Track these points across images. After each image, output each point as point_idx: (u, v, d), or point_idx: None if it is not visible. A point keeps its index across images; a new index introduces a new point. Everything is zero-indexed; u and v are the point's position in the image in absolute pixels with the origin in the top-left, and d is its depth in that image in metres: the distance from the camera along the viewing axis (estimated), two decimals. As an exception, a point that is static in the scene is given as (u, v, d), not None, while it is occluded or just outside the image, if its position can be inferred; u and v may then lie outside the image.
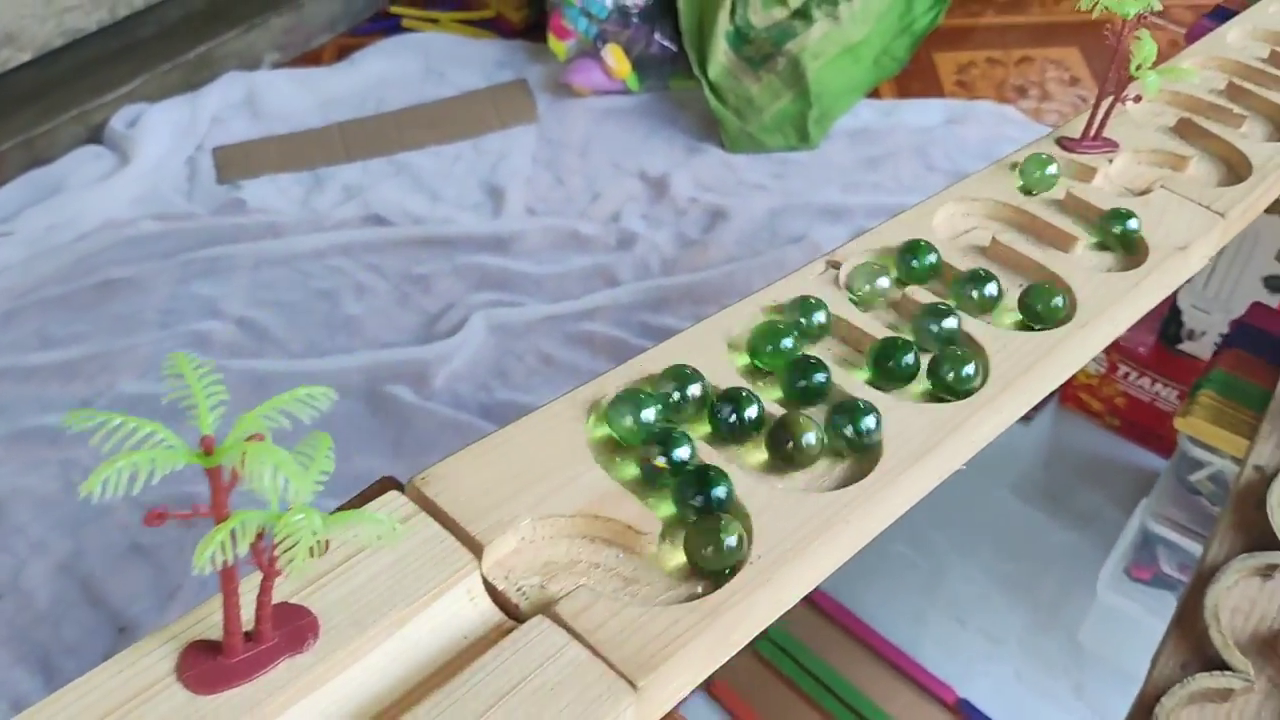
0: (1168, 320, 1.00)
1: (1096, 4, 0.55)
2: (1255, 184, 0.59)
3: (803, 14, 1.39)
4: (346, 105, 1.41)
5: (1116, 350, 1.01)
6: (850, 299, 0.47)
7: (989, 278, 0.48)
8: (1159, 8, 0.57)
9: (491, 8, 1.53)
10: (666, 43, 1.37)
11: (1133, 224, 0.53)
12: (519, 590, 0.34)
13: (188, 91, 1.39)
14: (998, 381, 0.44)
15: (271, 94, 1.40)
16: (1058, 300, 0.48)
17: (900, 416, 0.41)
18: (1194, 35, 0.80)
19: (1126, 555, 0.85)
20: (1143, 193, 0.57)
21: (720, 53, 1.36)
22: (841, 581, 0.96)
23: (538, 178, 1.32)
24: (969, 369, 0.43)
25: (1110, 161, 0.58)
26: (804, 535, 0.36)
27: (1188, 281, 0.97)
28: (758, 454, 0.40)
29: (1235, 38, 0.73)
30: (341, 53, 1.49)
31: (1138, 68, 0.57)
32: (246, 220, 1.26)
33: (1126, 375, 1.01)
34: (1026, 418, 1.07)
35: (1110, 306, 0.49)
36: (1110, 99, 0.58)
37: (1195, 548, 0.82)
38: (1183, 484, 0.81)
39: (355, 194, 1.29)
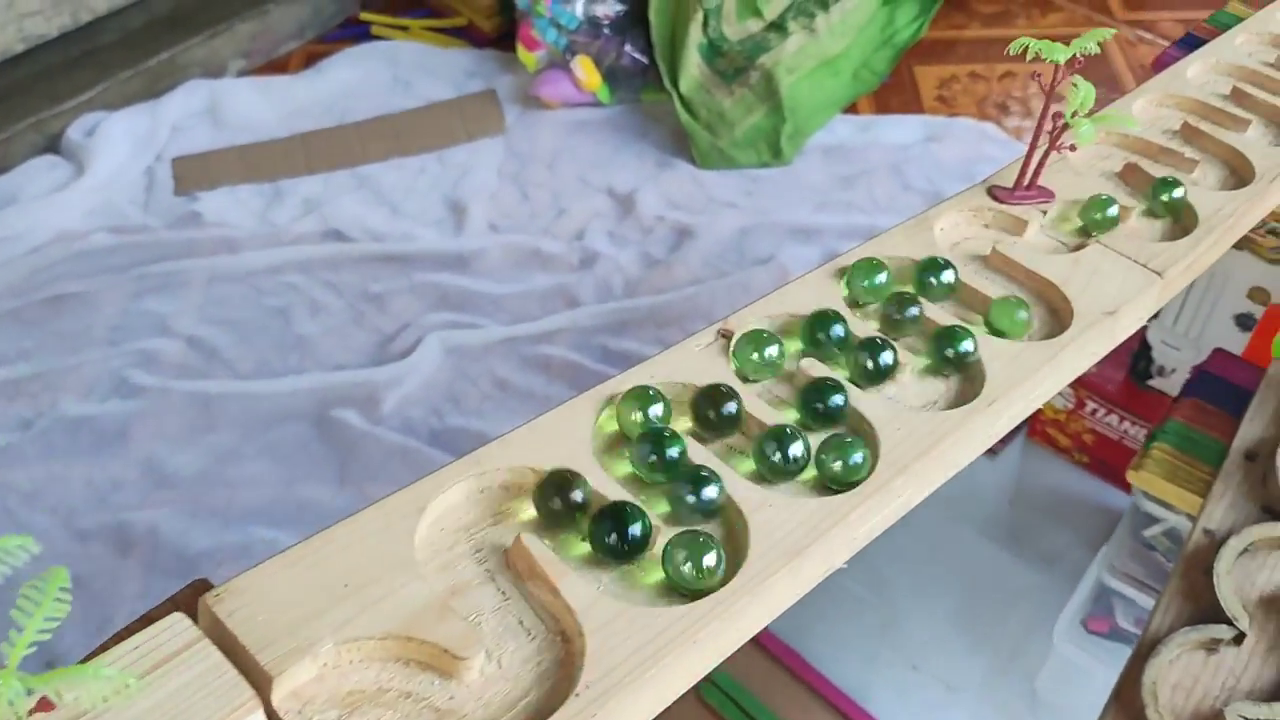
0: (1137, 356, 0.97)
1: (1026, 49, 0.52)
2: (1200, 239, 0.55)
3: (778, 26, 1.35)
4: (311, 115, 1.38)
5: (1084, 386, 0.97)
6: (735, 370, 0.43)
7: (885, 345, 0.44)
8: (1096, 51, 0.53)
9: (463, 16, 1.50)
10: (638, 55, 1.34)
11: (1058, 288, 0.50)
12: (311, 728, 0.30)
13: (149, 99, 1.37)
14: (889, 468, 0.41)
15: (234, 102, 1.37)
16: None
17: (775, 513, 0.38)
18: (1161, 64, 0.77)
19: (1083, 607, 0.82)
20: (1076, 248, 0.53)
21: (692, 65, 1.32)
22: (790, 622, 0.93)
23: (503, 193, 1.28)
24: (856, 457, 0.40)
25: (1044, 213, 0.55)
26: (643, 659, 0.33)
27: (1155, 317, 0.93)
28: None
29: (1196, 73, 0.69)
30: (309, 60, 1.46)
31: (1073, 114, 0.54)
32: (202, 234, 1.23)
33: (1094, 412, 0.97)
34: (992, 451, 1.04)
35: (1024, 381, 0.45)
36: (1044, 148, 0.55)
37: (1150, 603, 0.79)
38: (1138, 539, 0.78)
39: (314, 208, 1.26)
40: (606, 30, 1.34)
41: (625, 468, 0.39)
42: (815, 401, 0.42)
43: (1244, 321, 0.88)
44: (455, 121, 1.36)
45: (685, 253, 1.20)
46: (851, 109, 1.39)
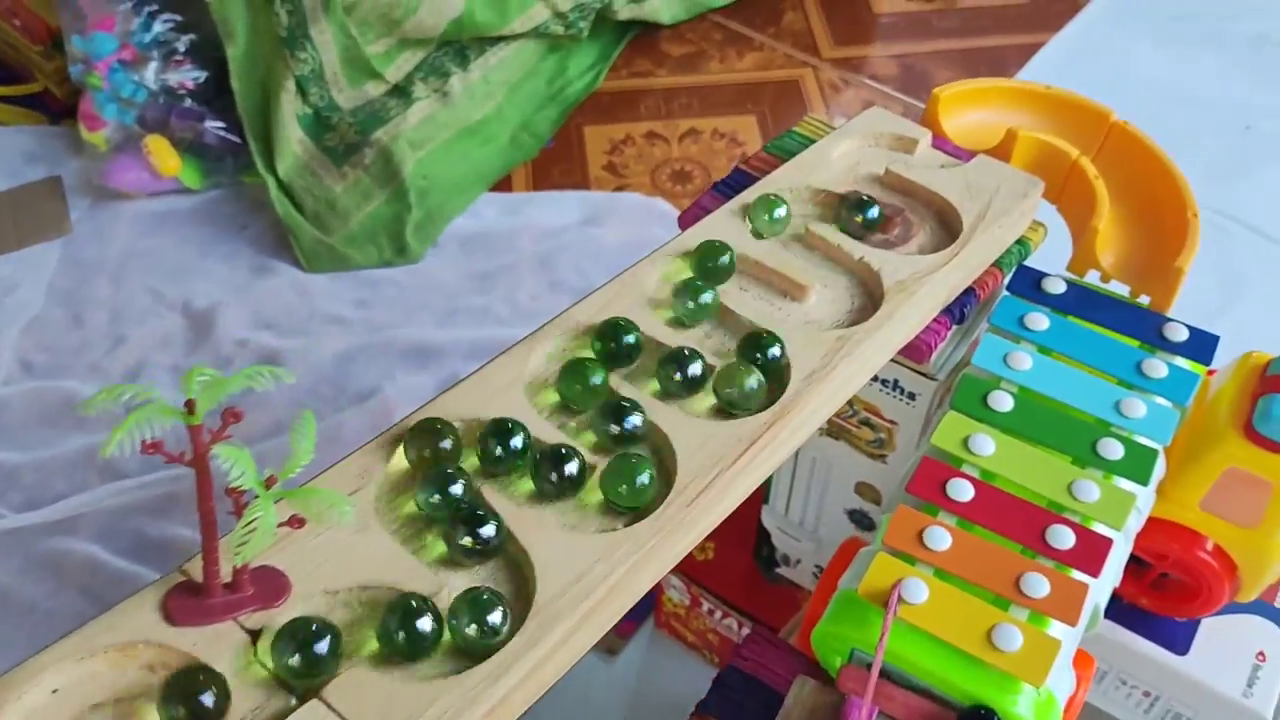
0: (759, 543, 0.77)
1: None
2: (520, 649, 0.34)
3: (402, 91, 1.12)
4: None
5: (699, 581, 0.77)
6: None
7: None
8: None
9: (39, 81, 1.22)
10: (224, 132, 1.09)
11: None
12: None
13: None
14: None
15: None
16: None
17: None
18: (687, 218, 0.55)
19: None
20: (311, 691, 0.32)
21: (293, 142, 1.08)
22: None
23: (48, 317, 1.03)
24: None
25: (256, 634, 0.33)
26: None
27: (765, 502, 0.74)
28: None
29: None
30: None
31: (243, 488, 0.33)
32: None
33: (711, 611, 0.78)
34: (611, 650, 0.83)
35: None
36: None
37: None
38: None
39: None
40: (188, 101, 1.09)
41: None
42: None
43: (858, 518, 0.69)
44: (5, 223, 1.09)
45: (267, 391, 0.96)
46: (505, 183, 1.17)
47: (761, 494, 0.74)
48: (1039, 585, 0.46)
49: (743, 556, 0.78)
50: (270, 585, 0.33)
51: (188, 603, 0.32)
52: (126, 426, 0.30)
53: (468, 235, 1.11)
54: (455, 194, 1.12)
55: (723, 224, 0.50)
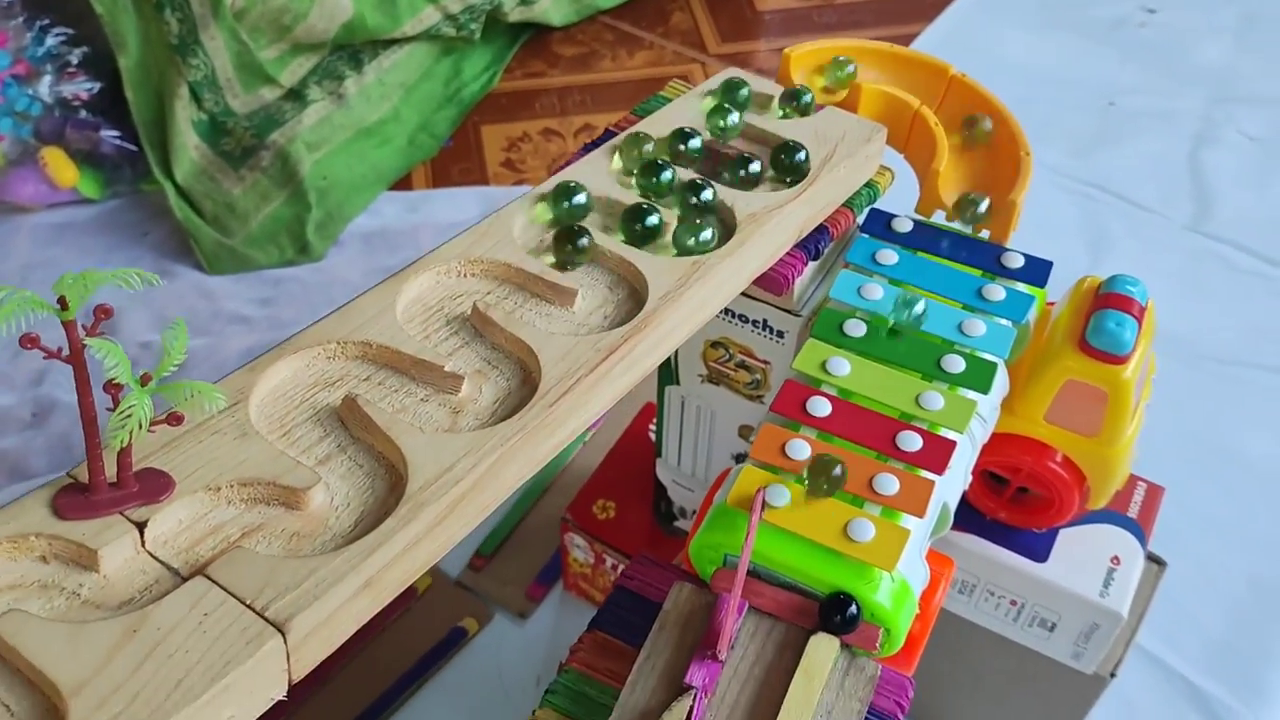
0: (657, 498, 0.81)
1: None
2: (393, 528, 0.37)
3: (297, 95, 1.14)
4: None
5: (602, 538, 0.80)
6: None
7: None
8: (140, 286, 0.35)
9: (-69, 98, 1.22)
10: (121, 141, 1.10)
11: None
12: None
13: None
14: None
15: None
16: None
17: None
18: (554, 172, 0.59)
19: None
20: (195, 569, 0.35)
21: (189, 149, 1.10)
22: None
23: (-53, 330, 1.02)
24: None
25: (143, 525, 0.36)
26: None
27: (659, 456, 0.77)
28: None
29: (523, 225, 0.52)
30: None
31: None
32: None
33: (615, 566, 0.81)
34: (522, 614, 0.86)
35: None
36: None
37: None
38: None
39: None
40: (83, 113, 1.10)
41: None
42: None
43: (742, 460, 0.72)
44: (-102, 239, 1.09)
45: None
46: (405, 182, 1.20)
47: (656, 451, 0.77)
48: (890, 484, 0.50)
49: (642, 513, 0.81)
50: (154, 483, 0.35)
51: (76, 499, 0.35)
52: (3, 315, 0.32)
53: (369, 233, 1.13)
54: (355, 193, 1.14)
55: (590, 166, 0.53)
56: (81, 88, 1.09)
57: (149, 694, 0.30)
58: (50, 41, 1.09)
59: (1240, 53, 1.37)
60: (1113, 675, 0.67)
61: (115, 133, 1.10)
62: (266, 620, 0.32)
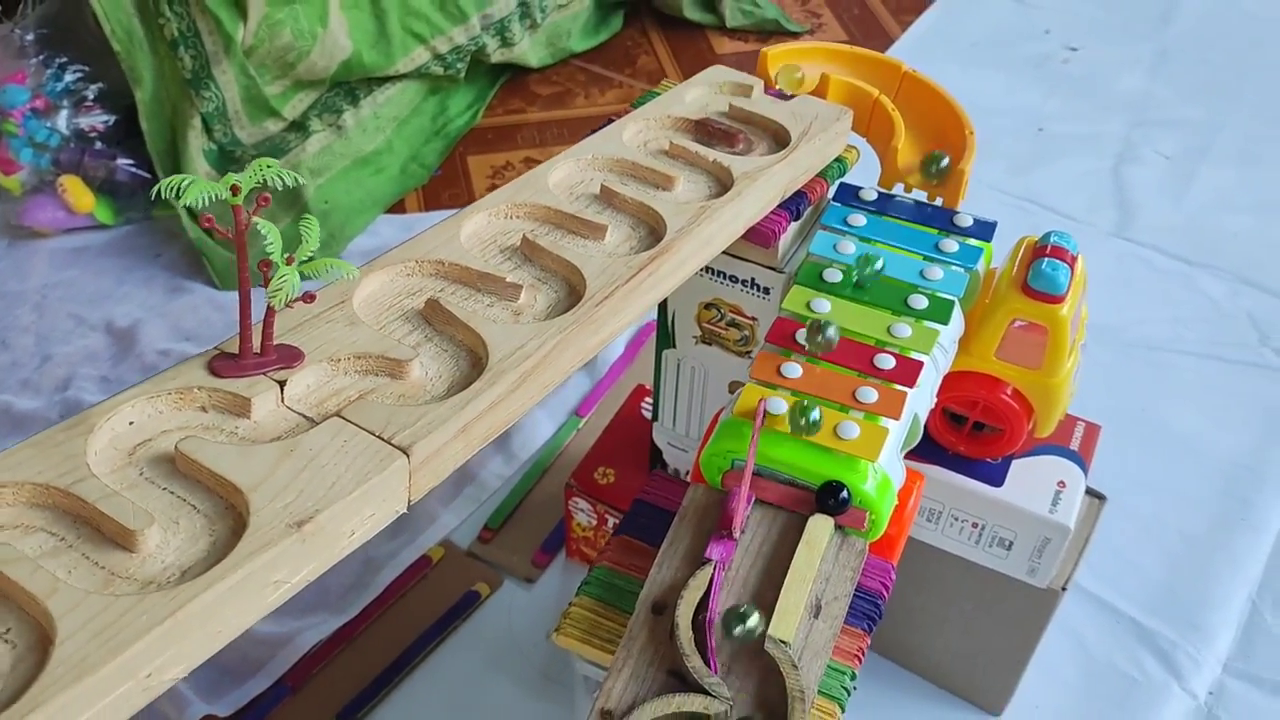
0: (653, 462, 0.89)
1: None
2: (481, 388, 0.45)
3: (299, 126, 1.23)
4: None
5: (603, 499, 0.89)
6: None
7: None
8: (291, 183, 0.44)
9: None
10: (135, 169, 1.18)
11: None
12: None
13: None
14: None
15: None
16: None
17: None
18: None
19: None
20: (327, 417, 0.43)
21: (201, 176, 1.18)
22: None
23: (-26, 344, 1.09)
24: None
25: (283, 384, 0.44)
26: None
27: (655, 420, 0.86)
28: None
29: (567, 173, 0.62)
30: None
31: (274, 262, 0.44)
32: None
33: (615, 525, 0.89)
34: (529, 579, 0.93)
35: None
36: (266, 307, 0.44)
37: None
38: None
39: None
40: (99, 144, 1.18)
41: None
42: None
43: (734, 418, 0.81)
44: (-78, 263, 1.15)
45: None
46: (399, 206, 1.29)
47: (653, 416, 0.86)
48: (869, 395, 0.59)
49: (640, 477, 0.90)
50: (289, 353, 0.44)
51: (228, 363, 0.43)
52: (196, 190, 0.40)
53: (368, 250, 1.22)
54: (354, 216, 1.23)
55: (605, 138, 0.63)
56: (98, 120, 1.18)
57: (310, 490, 0.39)
58: (68, 78, 1.18)
59: (1154, 82, 1.51)
60: (1064, 589, 0.76)
61: (130, 161, 1.18)
62: (394, 446, 0.41)
